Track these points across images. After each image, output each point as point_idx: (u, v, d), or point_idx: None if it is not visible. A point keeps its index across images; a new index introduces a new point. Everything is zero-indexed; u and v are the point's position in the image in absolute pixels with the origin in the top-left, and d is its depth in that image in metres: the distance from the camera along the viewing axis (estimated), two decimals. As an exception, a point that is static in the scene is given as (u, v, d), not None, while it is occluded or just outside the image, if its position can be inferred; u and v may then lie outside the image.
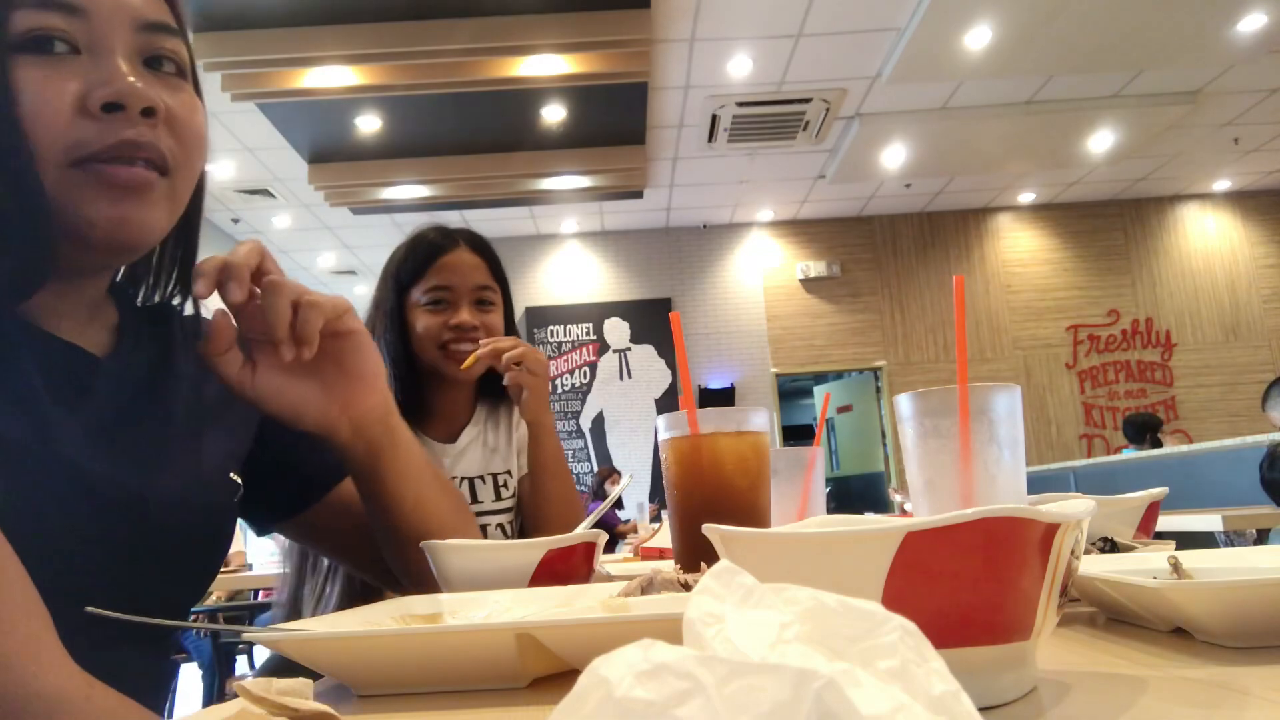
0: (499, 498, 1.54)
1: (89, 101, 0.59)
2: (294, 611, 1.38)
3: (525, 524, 1.55)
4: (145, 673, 0.69)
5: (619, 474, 7.04)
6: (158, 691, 0.72)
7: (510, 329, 1.58)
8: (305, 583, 1.38)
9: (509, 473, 1.57)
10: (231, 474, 0.76)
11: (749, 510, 0.74)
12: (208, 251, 0.72)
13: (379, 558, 0.91)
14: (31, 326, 0.64)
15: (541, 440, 1.45)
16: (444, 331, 1.49)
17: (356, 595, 1.31)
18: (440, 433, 1.55)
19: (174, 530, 0.68)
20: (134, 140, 0.61)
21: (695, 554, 0.72)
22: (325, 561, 1.37)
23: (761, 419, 0.76)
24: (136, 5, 0.62)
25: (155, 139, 0.62)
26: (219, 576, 1.00)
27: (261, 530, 0.93)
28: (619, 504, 6.60)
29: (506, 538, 1.52)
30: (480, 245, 1.58)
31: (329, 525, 0.91)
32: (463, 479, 1.52)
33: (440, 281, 1.51)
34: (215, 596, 4.66)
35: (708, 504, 0.73)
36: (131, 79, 0.61)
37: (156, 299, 0.77)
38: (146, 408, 0.69)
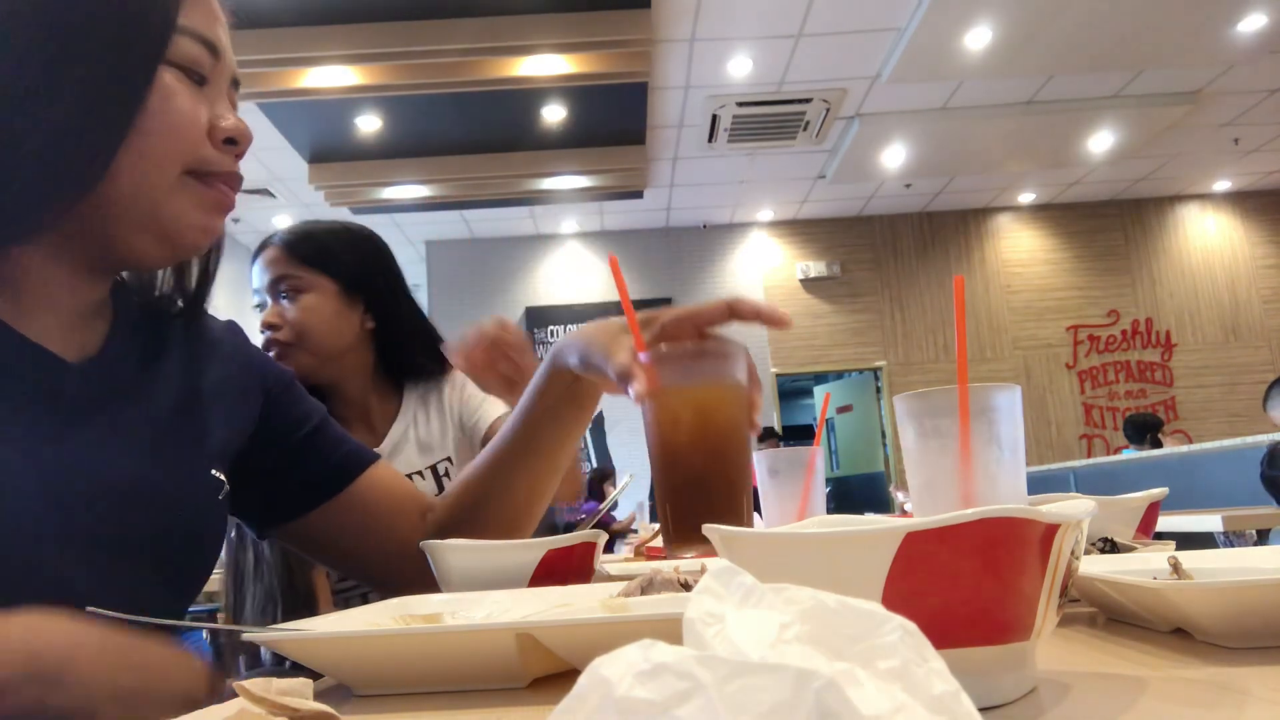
0: (441, 488, 1.46)
1: (215, 131, 0.69)
2: (238, 615, 1.35)
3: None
4: None
5: (615, 472, 7.03)
6: None
7: None
8: (245, 584, 1.36)
9: (449, 459, 1.49)
10: (214, 471, 0.75)
11: (714, 489, 0.66)
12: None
13: (377, 567, 0.93)
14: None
15: None
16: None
17: (299, 594, 1.30)
18: (360, 433, 1.45)
19: (153, 529, 0.68)
20: (239, 173, 0.73)
21: (680, 530, 0.66)
22: (264, 563, 1.35)
23: (741, 370, 0.66)
24: (233, 60, 0.74)
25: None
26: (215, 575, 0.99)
27: (260, 534, 0.93)
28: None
29: None
30: None
31: (330, 532, 0.90)
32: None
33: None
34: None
35: (676, 474, 0.65)
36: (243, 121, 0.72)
37: (163, 298, 0.79)
38: (119, 409, 0.70)
